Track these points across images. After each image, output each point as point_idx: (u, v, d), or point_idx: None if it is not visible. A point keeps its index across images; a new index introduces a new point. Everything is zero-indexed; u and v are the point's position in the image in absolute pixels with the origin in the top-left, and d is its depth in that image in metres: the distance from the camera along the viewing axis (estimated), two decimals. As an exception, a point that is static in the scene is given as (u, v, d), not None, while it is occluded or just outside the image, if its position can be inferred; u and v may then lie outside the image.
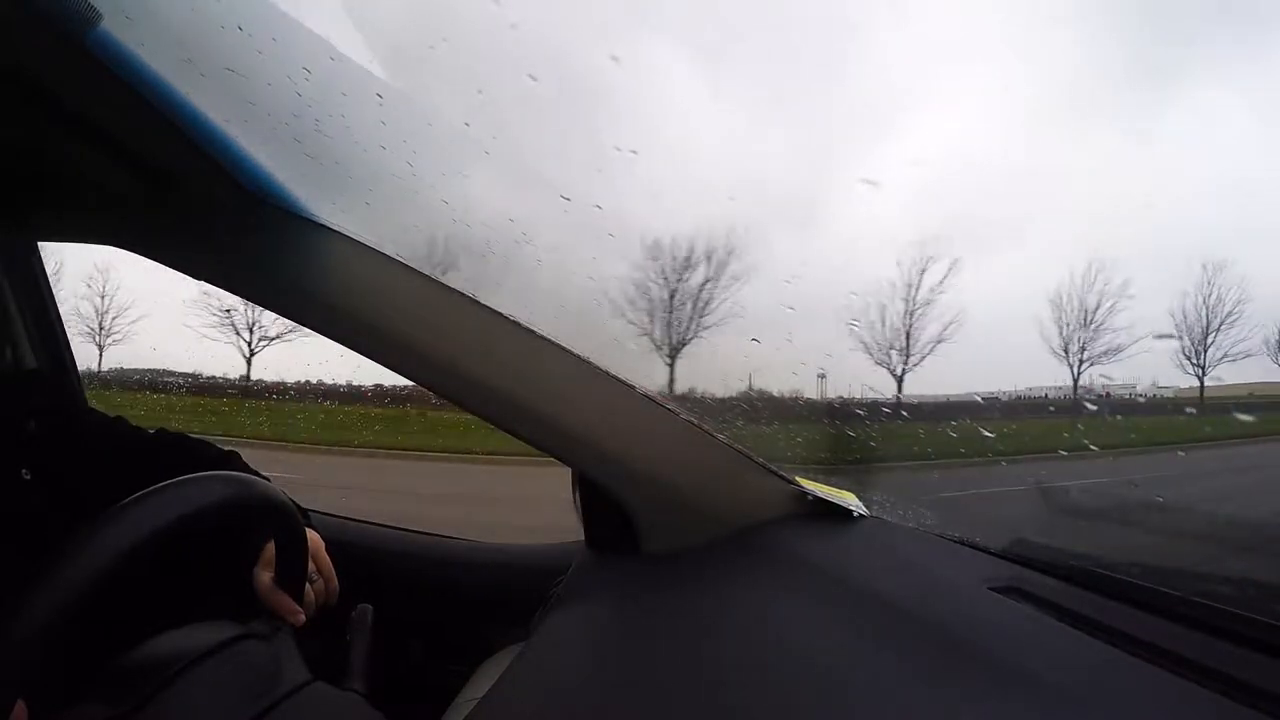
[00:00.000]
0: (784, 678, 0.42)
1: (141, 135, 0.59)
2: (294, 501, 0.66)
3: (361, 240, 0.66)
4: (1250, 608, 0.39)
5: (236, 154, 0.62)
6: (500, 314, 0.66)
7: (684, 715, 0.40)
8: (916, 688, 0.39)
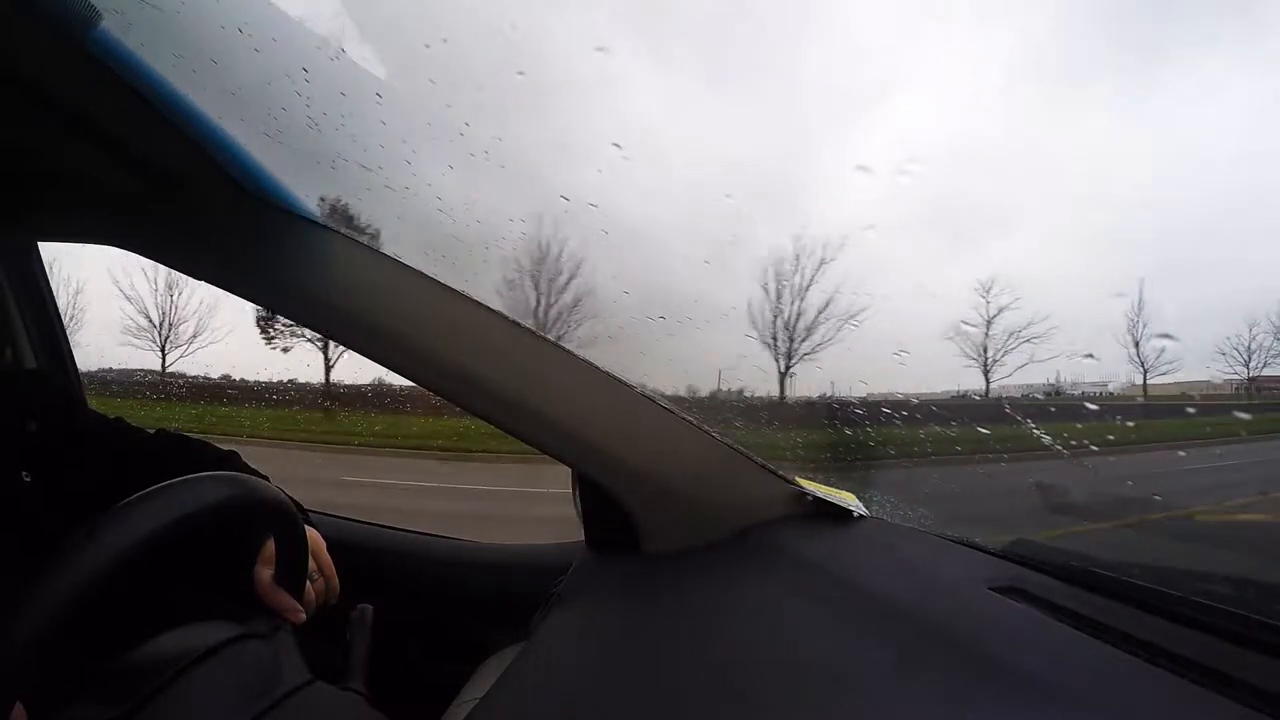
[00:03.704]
0: (784, 677, 0.42)
1: (141, 135, 0.59)
2: (294, 500, 0.66)
3: (361, 240, 0.66)
4: (1250, 608, 0.39)
5: (236, 154, 0.62)
6: (500, 314, 0.66)
7: (684, 715, 0.40)
8: (917, 687, 0.39)
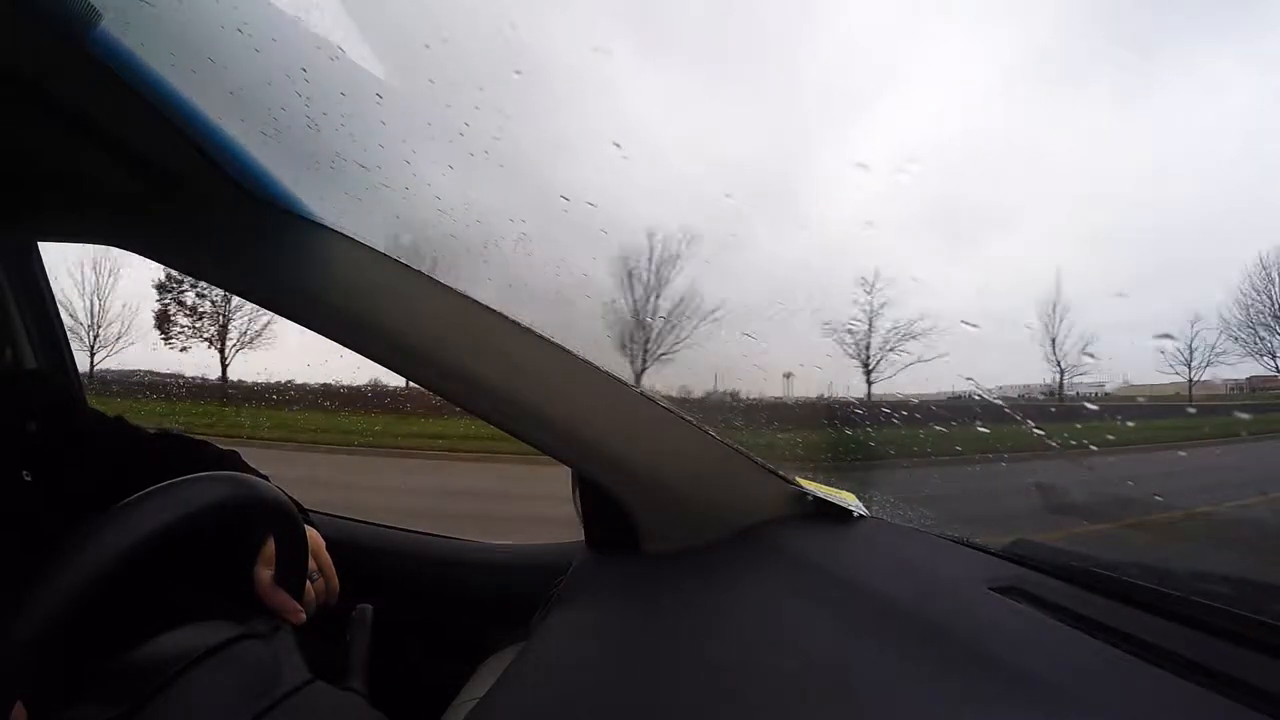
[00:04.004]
0: (784, 678, 0.42)
1: (141, 135, 0.59)
2: (294, 500, 0.66)
3: (361, 240, 0.66)
4: (1250, 608, 0.39)
5: (236, 154, 0.62)
6: (500, 314, 0.66)
7: (684, 715, 0.40)
8: (917, 688, 0.39)
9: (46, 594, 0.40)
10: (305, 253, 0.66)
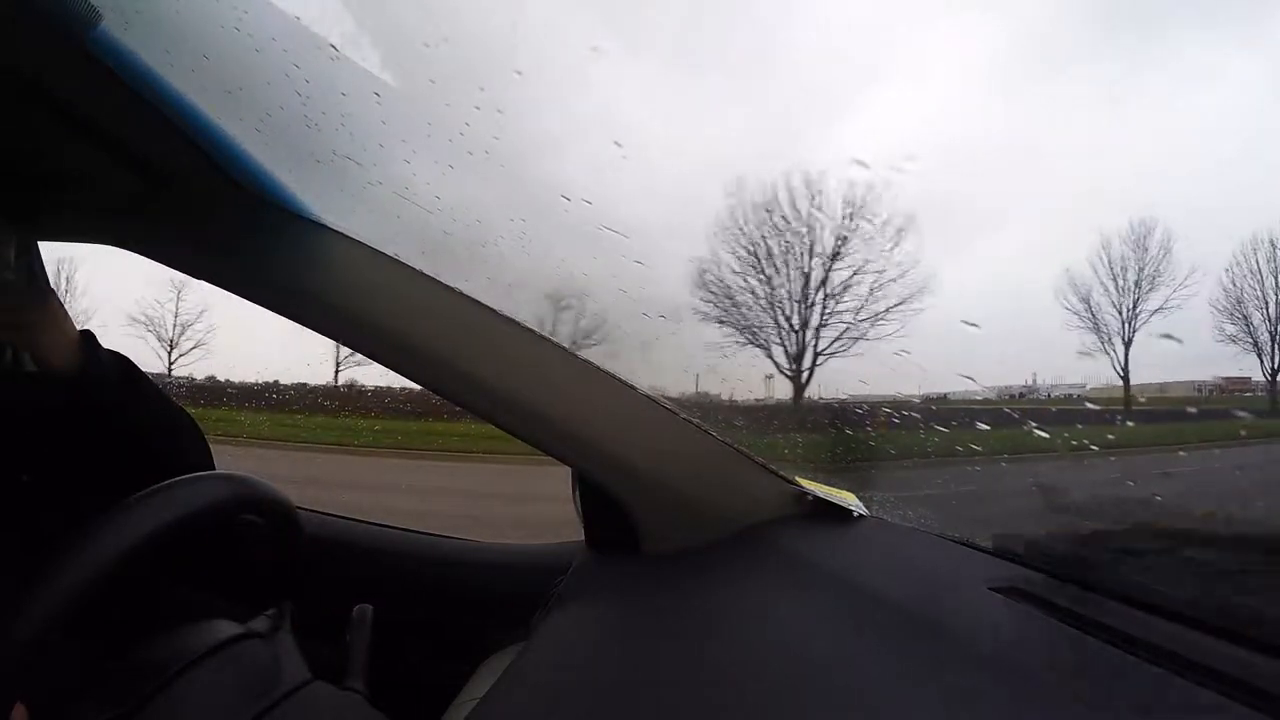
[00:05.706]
0: (784, 678, 0.42)
1: (141, 135, 0.59)
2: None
3: (361, 240, 0.66)
4: (1250, 608, 0.39)
5: (236, 154, 0.62)
6: (500, 314, 0.66)
7: (684, 715, 0.40)
8: (917, 687, 0.39)
9: (46, 594, 0.40)
10: (305, 252, 0.66)
